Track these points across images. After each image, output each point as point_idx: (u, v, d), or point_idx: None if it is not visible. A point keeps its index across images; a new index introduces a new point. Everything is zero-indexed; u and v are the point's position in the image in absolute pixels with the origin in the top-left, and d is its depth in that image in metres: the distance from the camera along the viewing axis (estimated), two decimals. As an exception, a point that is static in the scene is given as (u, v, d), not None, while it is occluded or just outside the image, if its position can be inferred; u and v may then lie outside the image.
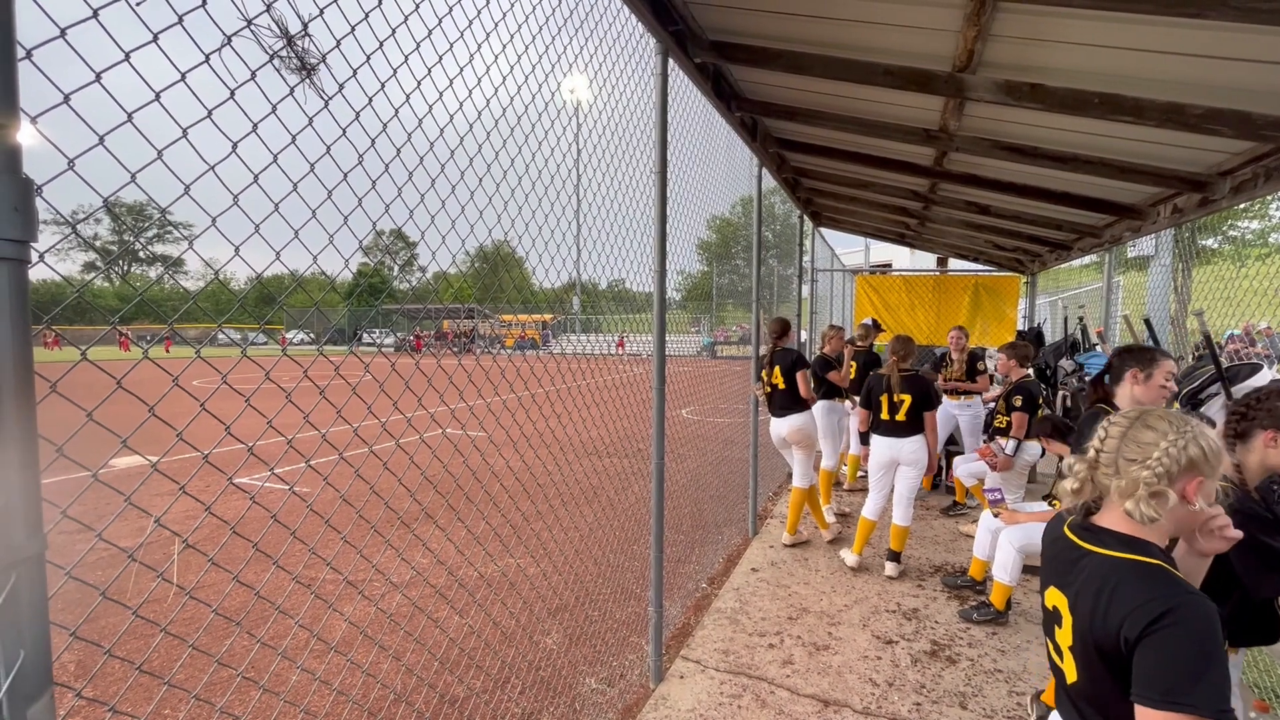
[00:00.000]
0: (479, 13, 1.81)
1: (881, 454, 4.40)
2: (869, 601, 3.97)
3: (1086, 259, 7.03)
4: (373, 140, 1.45)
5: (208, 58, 1.09)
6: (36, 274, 0.81)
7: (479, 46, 1.80)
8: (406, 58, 1.52)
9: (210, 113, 1.10)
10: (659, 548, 3.06)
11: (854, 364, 5.69)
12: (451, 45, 1.68)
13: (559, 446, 3.26)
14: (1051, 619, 1.36)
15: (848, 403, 6.00)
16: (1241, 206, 3.79)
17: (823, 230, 8.76)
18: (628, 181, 2.89)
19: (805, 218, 7.24)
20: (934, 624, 3.68)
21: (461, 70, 1.73)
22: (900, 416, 4.29)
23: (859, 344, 6.00)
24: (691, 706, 2.87)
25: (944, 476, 6.51)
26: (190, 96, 1.09)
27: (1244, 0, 1.96)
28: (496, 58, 1.90)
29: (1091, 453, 1.33)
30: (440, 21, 1.64)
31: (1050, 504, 3.78)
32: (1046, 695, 2.67)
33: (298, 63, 1.23)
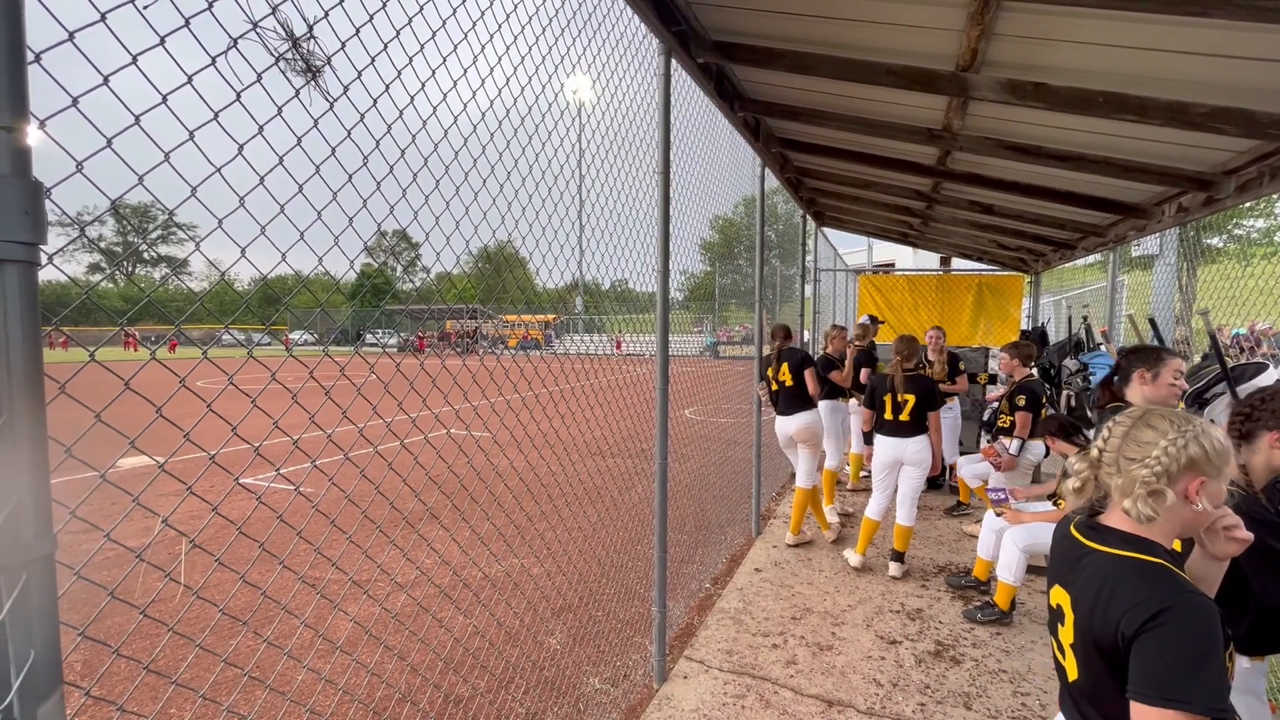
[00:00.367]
0: (483, 14, 1.81)
1: (885, 454, 4.39)
2: (873, 602, 3.96)
3: (1091, 258, 7.00)
4: (377, 142, 1.46)
5: (214, 60, 1.10)
6: (42, 275, 0.81)
7: (483, 48, 1.81)
8: (411, 59, 1.52)
9: (216, 115, 1.10)
10: (662, 548, 3.06)
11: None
12: (455, 46, 1.69)
13: (563, 447, 3.26)
14: (1055, 617, 1.36)
15: (852, 401, 6.00)
16: (1247, 205, 3.78)
17: (825, 230, 8.75)
18: (631, 182, 2.89)
19: (808, 217, 7.23)
20: (938, 624, 3.67)
21: (465, 71, 1.73)
22: (904, 416, 4.29)
23: (858, 343, 5.99)
24: (695, 706, 2.88)
25: (948, 477, 6.49)
26: (196, 99, 1.10)
27: (1249, -2, 1.95)
28: (500, 59, 1.91)
29: (1095, 452, 1.34)
30: (444, 23, 1.65)
31: (1055, 503, 3.77)
32: None
33: (303, 65, 1.23)
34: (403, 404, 1.80)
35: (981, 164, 4.33)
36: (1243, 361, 3.31)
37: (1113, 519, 1.30)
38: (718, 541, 4.86)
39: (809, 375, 4.75)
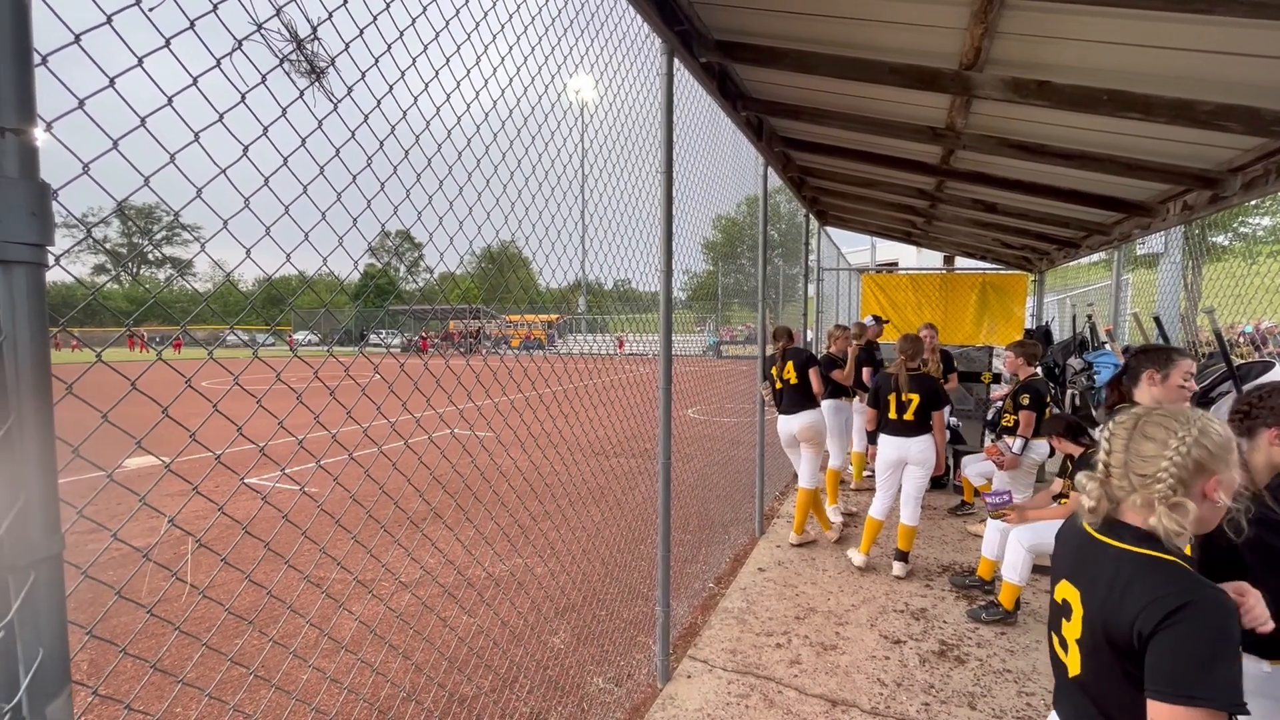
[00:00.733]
0: (485, 14, 1.82)
1: (889, 453, 4.39)
2: (877, 601, 3.96)
3: (1095, 257, 6.98)
4: (381, 143, 1.46)
5: (219, 62, 1.11)
6: (48, 276, 0.82)
7: (485, 48, 1.81)
8: (414, 60, 1.52)
9: (221, 116, 1.11)
10: (666, 547, 3.06)
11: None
12: (459, 47, 1.69)
13: (566, 446, 3.27)
14: (1060, 612, 1.36)
15: (855, 400, 5.99)
16: (1252, 203, 3.76)
17: (829, 229, 8.74)
18: (634, 181, 2.89)
19: (811, 216, 7.22)
20: (942, 624, 3.67)
21: (469, 72, 1.74)
22: (908, 416, 4.28)
23: (857, 342, 5.98)
24: (699, 706, 2.88)
25: (952, 476, 6.48)
26: (202, 100, 1.10)
27: (1254, -5, 1.95)
28: (503, 59, 1.91)
29: (1100, 467, 1.32)
30: (448, 24, 1.65)
31: (1058, 503, 3.76)
32: None
33: (307, 66, 1.24)
34: (407, 404, 1.81)
35: (985, 162, 4.32)
36: (1249, 360, 3.30)
37: (1126, 515, 1.29)
38: (721, 541, 4.86)
39: (813, 374, 4.75)
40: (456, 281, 2.32)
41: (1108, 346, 5.77)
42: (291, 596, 3.87)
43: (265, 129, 1.20)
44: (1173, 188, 4.07)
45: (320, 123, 1.31)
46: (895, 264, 24.68)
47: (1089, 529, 1.35)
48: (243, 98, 1.16)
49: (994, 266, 8.92)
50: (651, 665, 3.16)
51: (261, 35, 1.17)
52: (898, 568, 4.32)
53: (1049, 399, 4.67)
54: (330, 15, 1.31)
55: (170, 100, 1.03)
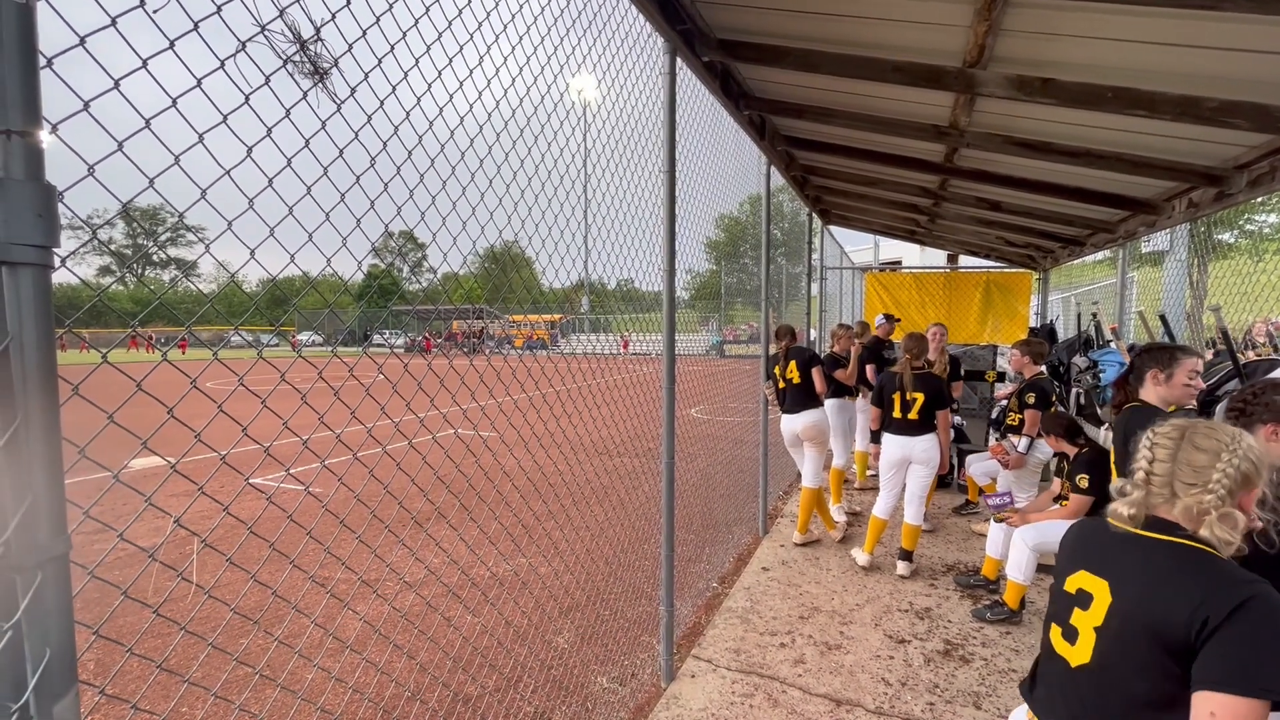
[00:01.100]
0: (488, 15, 1.82)
1: (892, 453, 4.38)
2: (881, 601, 3.95)
3: (1100, 254, 6.95)
4: (384, 143, 1.47)
5: (222, 63, 1.11)
6: (54, 278, 0.82)
7: (488, 48, 1.81)
8: (417, 61, 1.53)
9: (225, 118, 1.11)
10: (669, 547, 3.06)
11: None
12: (461, 48, 1.70)
13: (569, 446, 3.27)
14: (1072, 602, 1.35)
15: (859, 399, 5.98)
16: (1259, 200, 3.74)
17: (831, 228, 8.72)
18: (636, 181, 2.89)
19: (814, 215, 7.21)
20: (947, 623, 3.66)
21: (471, 72, 1.74)
22: (912, 415, 4.27)
23: (859, 341, 5.96)
24: (703, 706, 2.87)
25: (956, 475, 6.46)
26: (206, 101, 1.10)
27: (1260, -9, 1.93)
28: (506, 59, 1.91)
29: (1141, 474, 1.33)
30: (450, 24, 1.65)
31: (1059, 504, 3.75)
32: None
33: (311, 67, 1.24)
34: (411, 404, 1.81)
35: (989, 160, 4.31)
36: (1257, 358, 3.28)
37: (1163, 514, 1.30)
38: (725, 541, 4.86)
39: (816, 373, 4.74)
40: (460, 281, 2.32)
41: (1112, 345, 5.74)
42: (296, 596, 3.88)
43: (269, 130, 1.20)
44: (1178, 185, 4.05)
45: (324, 124, 1.32)
46: (899, 263, 24.62)
47: (1118, 524, 1.35)
48: (246, 99, 1.16)
49: (998, 265, 8.90)
50: (655, 665, 3.16)
51: (265, 37, 1.17)
52: (902, 567, 4.32)
53: (1054, 398, 4.66)
54: (333, 16, 1.31)
55: (175, 102, 1.03)
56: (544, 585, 3.98)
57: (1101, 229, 5.55)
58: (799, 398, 4.82)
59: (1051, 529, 3.43)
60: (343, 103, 1.35)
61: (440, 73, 1.62)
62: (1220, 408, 3.05)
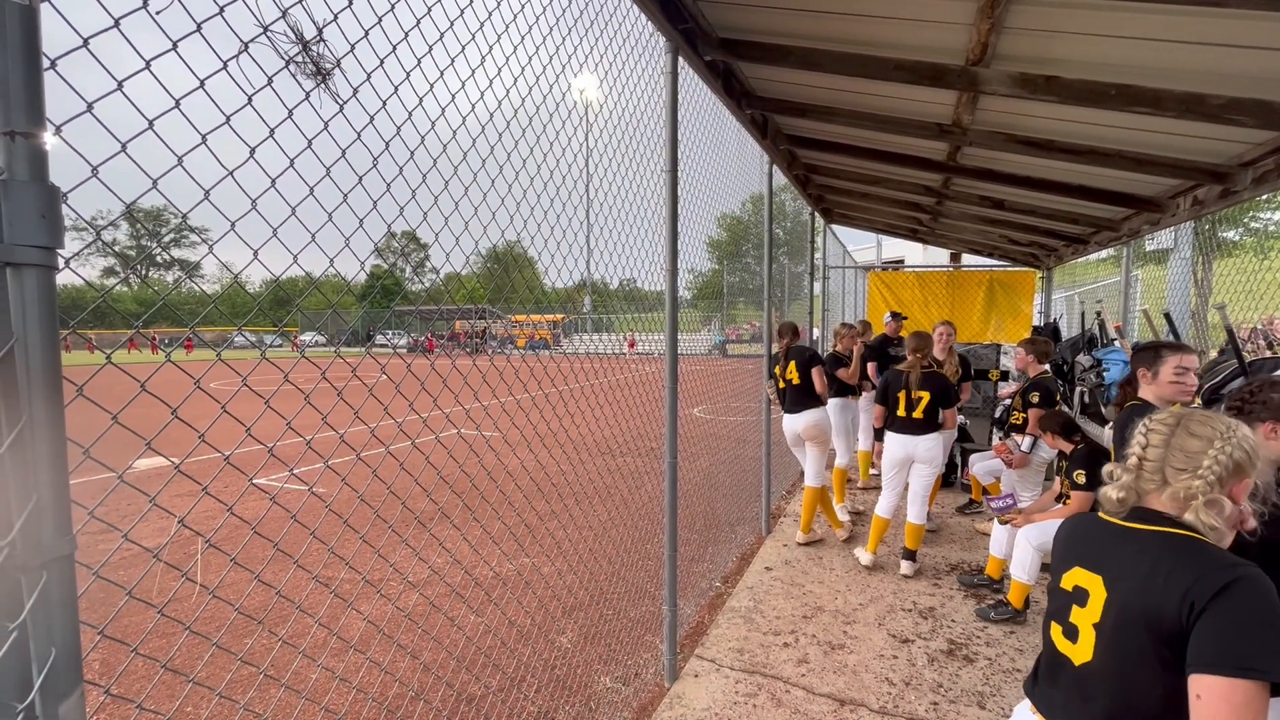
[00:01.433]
0: (490, 15, 1.82)
1: (895, 451, 4.37)
2: (884, 600, 3.94)
3: (1104, 253, 6.93)
4: (387, 144, 1.47)
5: (225, 64, 1.11)
6: (58, 279, 0.82)
7: (490, 49, 1.81)
8: (419, 61, 1.53)
9: (228, 119, 1.11)
10: (673, 546, 3.06)
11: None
12: (464, 48, 1.70)
13: (572, 446, 3.27)
14: (1070, 599, 1.35)
15: (862, 399, 5.96)
16: (1264, 198, 3.72)
17: (834, 227, 8.71)
18: (638, 181, 2.89)
19: (816, 214, 7.20)
20: (951, 623, 3.65)
21: (473, 72, 1.74)
22: (917, 414, 4.26)
23: (862, 340, 5.95)
24: (707, 705, 2.87)
25: (959, 474, 6.45)
26: (208, 102, 1.11)
27: (1265, -13, 1.92)
28: (508, 59, 1.91)
29: (1134, 460, 1.34)
30: (452, 25, 1.66)
31: (1061, 503, 3.74)
32: None
33: (313, 68, 1.24)
34: (414, 404, 1.81)
35: (992, 159, 4.29)
36: (1261, 357, 3.27)
37: (1153, 504, 1.31)
38: (728, 540, 4.85)
39: (816, 373, 4.73)
40: (462, 282, 2.32)
41: (1117, 343, 5.73)
42: (300, 596, 3.89)
43: (272, 131, 1.20)
44: (1183, 183, 4.03)
45: (326, 124, 1.32)
46: (901, 261, 24.57)
47: (1108, 518, 1.36)
48: (249, 100, 1.16)
49: (1001, 263, 8.87)
50: (659, 664, 3.16)
51: (268, 38, 1.17)
52: (905, 566, 4.31)
53: (1058, 397, 4.64)
54: (335, 17, 1.32)
55: (178, 103, 1.03)
56: (547, 585, 3.99)
57: (1105, 227, 5.53)
58: (799, 397, 4.81)
59: (1054, 528, 3.42)
60: (345, 103, 1.35)
61: (442, 73, 1.62)
62: (1220, 407, 3.05)
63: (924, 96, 3.39)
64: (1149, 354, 2.59)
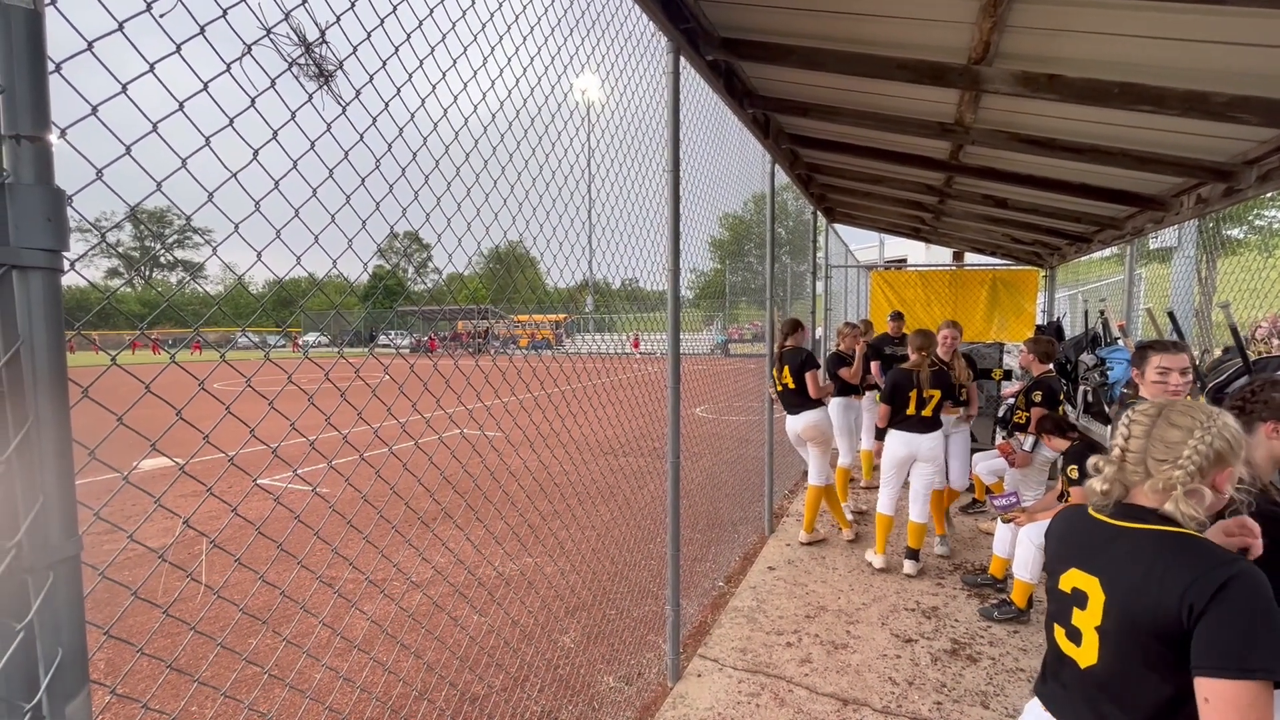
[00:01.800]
0: (491, 16, 1.82)
1: (899, 450, 4.35)
2: (887, 600, 3.94)
3: (1107, 251, 6.91)
4: (389, 145, 1.47)
5: (228, 67, 1.11)
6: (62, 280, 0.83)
7: (492, 49, 1.82)
8: (421, 62, 1.53)
9: (232, 121, 1.12)
10: (675, 546, 3.06)
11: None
12: (466, 49, 1.70)
13: (575, 446, 3.27)
14: (1071, 602, 1.34)
15: (865, 398, 5.96)
16: (1269, 195, 3.71)
17: (836, 226, 8.70)
18: (640, 180, 2.89)
19: (818, 214, 7.19)
20: (954, 622, 3.64)
21: (475, 73, 1.74)
22: (927, 412, 4.26)
23: (865, 339, 5.94)
24: (710, 705, 2.87)
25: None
26: (212, 105, 1.11)
27: (1269, -16, 1.92)
28: (510, 60, 1.91)
29: (1117, 452, 1.34)
30: (454, 25, 1.66)
31: (1063, 501, 3.73)
32: None
33: (316, 70, 1.25)
34: (417, 404, 1.82)
35: (995, 157, 4.29)
36: (1265, 356, 3.27)
37: (1139, 500, 1.31)
38: (731, 540, 4.85)
39: (810, 378, 4.69)
40: (465, 282, 2.33)
41: (1120, 342, 5.71)
42: (304, 596, 3.90)
43: (275, 133, 1.20)
44: (1186, 181, 4.02)
45: (329, 126, 1.32)
46: (904, 260, 24.53)
47: (1099, 515, 1.35)
48: (252, 102, 1.17)
49: (1004, 262, 8.85)
50: (662, 664, 3.16)
51: (270, 40, 1.18)
52: (909, 566, 4.30)
53: (1062, 396, 4.63)
54: (338, 19, 1.32)
55: (181, 105, 1.04)
56: (550, 585, 3.99)
57: (1109, 225, 5.52)
58: (795, 400, 4.81)
59: (1057, 527, 3.42)
60: (348, 105, 1.35)
61: (445, 74, 1.62)
62: (1225, 406, 3.05)
63: (926, 95, 3.38)
64: (1139, 354, 2.64)
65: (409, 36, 1.49)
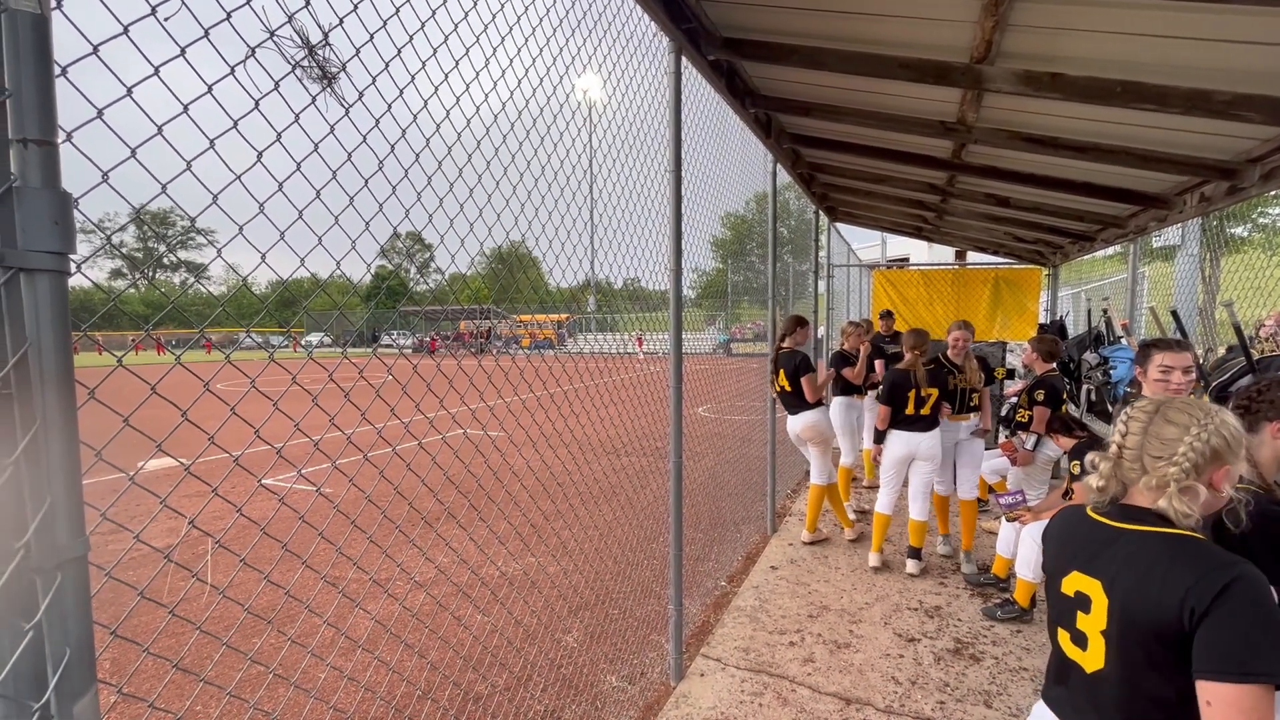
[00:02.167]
0: (494, 17, 1.83)
1: (899, 450, 4.35)
2: (890, 599, 3.94)
3: (1110, 250, 6.90)
4: (392, 146, 1.48)
5: (233, 69, 1.12)
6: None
7: (494, 50, 1.82)
8: (424, 64, 1.54)
9: (236, 123, 1.12)
10: (678, 545, 3.06)
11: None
12: (468, 50, 1.70)
13: (577, 446, 3.28)
14: (1074, 605, 1.33)
15: (867, 398, 5.95)
16: (1272, 194, 3.70)
17: (838, 225, 8.69)
18: (642, 180, 2.89)
19: (820, 213, 7.19)
20: (957, 622, 3.64)
21: (478, 74, 1.75)
22: (925, 410, 4.26)
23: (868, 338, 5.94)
24: (713, 704, 2.88)
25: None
26: (216, 107, 1.12)
27: (1272, -18, 1.91)
28: (512, 60, 1.92)
29: (1114, 448, 1.33)
30: (456, 27, 1.66)
31: (1067, 499, 3.72)
32: None
33: (319, 72, 1.25)
34: (420, 405, 1.82)
35: (997, 156, 4.28)
36: (1269, 355, 3.26)
37: (1137, 499, 1.30)
38: (733, 539, 4.85)
39: (806, 382, 4.67)
40: (467, 282, 2.33)
41: (1123, 341, 5.70)
42: (309, 596, 3.91)
43: (279, 135, 1.21)
44: (1189, 179, 4.01)
45: (332, 128, 1.33)
46: (906, 260, 24.49)
47: (1097, 517, 1.34)
48: (256, 104, 1.17)
49: (1006, 261, 8.84)
50: (665, 664, 3.16)
51: (274, 42, 1.18)
52: (911, 565, 4.30)
53: (1065, 395, 4.62)
54: (341, 21, 1.33)
55: (186, 108, 1.04)
56: (553, 584, 4.00)
57: (1112, 224, 5.50)
58: (793, 401, 4.81)
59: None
60: (351, 106, 1.36)
61: (447, 75, 1.63)
62: (1228, 405, 3.05)
63: (928, 94, 3.38)
64: (1142, 353, 2.65)
65: (411, 38, 1.50)
